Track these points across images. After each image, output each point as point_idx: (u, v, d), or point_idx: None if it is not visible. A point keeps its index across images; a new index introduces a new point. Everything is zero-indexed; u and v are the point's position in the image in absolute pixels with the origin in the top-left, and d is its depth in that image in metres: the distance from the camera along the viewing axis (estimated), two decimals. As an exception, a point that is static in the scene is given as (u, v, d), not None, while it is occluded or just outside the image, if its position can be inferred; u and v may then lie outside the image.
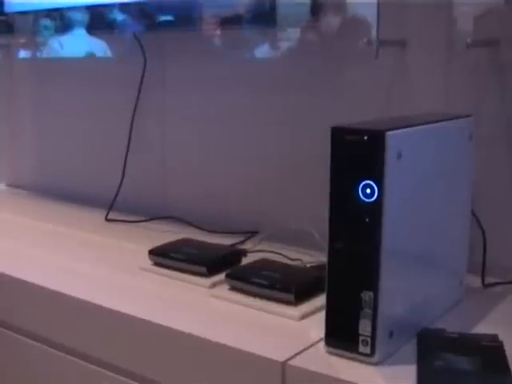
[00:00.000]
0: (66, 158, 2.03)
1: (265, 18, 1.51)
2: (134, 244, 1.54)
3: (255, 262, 1.32)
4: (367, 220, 0.93)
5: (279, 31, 1.52)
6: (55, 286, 1.28)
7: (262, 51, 1.59)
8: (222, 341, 1.04)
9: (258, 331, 1.09)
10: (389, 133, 0.91)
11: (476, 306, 1.19)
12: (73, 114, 1.99)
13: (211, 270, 1.31)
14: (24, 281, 1.33)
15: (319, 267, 1.25)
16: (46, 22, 1.89)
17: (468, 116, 1.17)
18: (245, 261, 1.37)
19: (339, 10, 1.42)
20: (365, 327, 0.95)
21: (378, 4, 1.32)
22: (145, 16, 1.70)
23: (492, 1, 1.27)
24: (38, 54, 2.02)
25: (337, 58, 1.45)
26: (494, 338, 1.03)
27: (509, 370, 0.93)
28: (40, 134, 2.11)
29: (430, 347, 1.00)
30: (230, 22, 1.56)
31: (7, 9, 1.94)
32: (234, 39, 1.60)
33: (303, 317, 1.13)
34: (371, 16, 1.33)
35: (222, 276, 1.27)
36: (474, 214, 1.24)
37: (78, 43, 1.90)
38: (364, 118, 1.01)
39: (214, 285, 1.27)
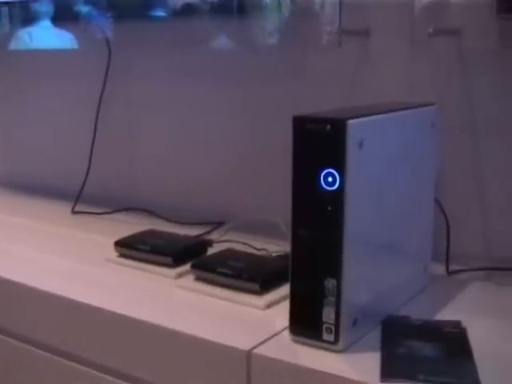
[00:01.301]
0: (32, 151, 2.02)
1: (230, 7, 1.51)
2: (101, 236, 1.54)
3: (221, 252, 1.32)
4: (330, 208, 0.93)
5: (244, 21, 1.52)
6: (20, 279, 1.28)
7: (227, 41, 1.59)
8: (188, 331, 1.04)
9: (223, 321, 1.09)
10: (350, 121, 0.91)
11: (440, 293, 1.20)
12: (38, 106, 1.97)
13: (177, 261, 1.31)
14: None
15: (284, 257, 1.24)
16: (10, 13, 1.88)
17: (431, 104, 1.17)
18: (210, 251, 1.37)
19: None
20: (328, 315, 0.95)
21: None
22: (109, 7, 1.69)
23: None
24: (3, 46, 2.00)
25: (301, 46, 1.45)
26: (458, 324, 1.04)
27: (471, 355, 0.94)
28: (4, 127, 2.10)
29: (394, 334, 1.01)
30: (194, 11, 1.56)
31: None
32: (198, 29, 1.59)
33: (268, 306, 1.14)
34: (334, 5, 1.34)
35: (187, 266, 1.27)
36: (437, 201, 1.25)
37: (42, 35, 1.89)
38: (328, 107, 1.01)
39: (179, 275, 1.27)
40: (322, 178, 0.92)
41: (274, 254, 1.35)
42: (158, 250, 1.34)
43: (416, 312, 1.09)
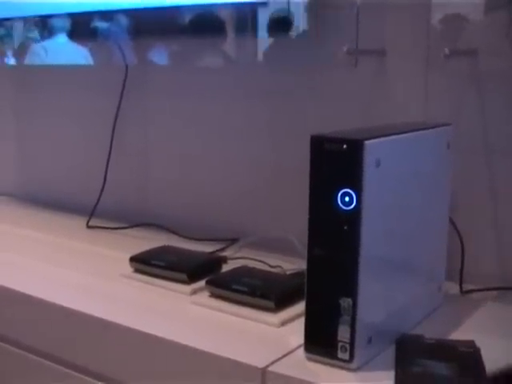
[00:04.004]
0: (48, 165, 2.03)
1: (247, 26, 1.52)
2: (115, 251, 1.54)
3: (236, 269, 1.33)
4: (346, 228, 0.93)
5: (261, 40, 1.53)
6: (36, 293, 1.28)
7: (245, 58, 1.60)
8: (203, 347, 1.05)
9: (238, 338, 1.10)
10: (367, 142, 0.92)
11: (454, 313, 1.20)
12: (54, 121, 1.98)
13: (192, 277, 1.31)
14: (4, 287, 1.33)
15: (299, 274, 1.25)
16: (29, 28, 1.90)
17: (446, 125, 1.18)
18: (225, 268, 1.37)
19: (319, 18, 1.43)
20: (344, 333, 0.96)
21: (358, 13, 1.33)
22: (127, 23, 1.70)
23: (471, 11, 1.29)
24: (20, 60, 2.01)
25: (317, 66, 1.46)
26: (471, 343, 1.04)
27: (485, 375, 0.94)
28: (21, 141, 2.11)
29: (408, 353, 1.01)
30: (211, 29, 1.57)
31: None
32: (216, 46, 1.60)
33: (283, 323, 1.14)
34: (351, 25, 1.35)
35: (202, 283, 1.28)
36: (452, 221, 1.25)
37: (59, 50, 1.90)
38: (344, 127, 1.02)
39: (194, 291, 1.28)
40: (338, 198, 0.93)
41: (288, 272, 1.35)
42: (173, 267, 1.34)
43: (430, 331, 1.09)
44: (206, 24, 1.58)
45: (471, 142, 1.30)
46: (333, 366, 0.98)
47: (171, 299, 1.26)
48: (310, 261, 0.98)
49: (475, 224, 1.32)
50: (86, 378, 1.21)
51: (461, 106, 1.31)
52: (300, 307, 1.09)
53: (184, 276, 1.31)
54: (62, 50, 1.90)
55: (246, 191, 1.61)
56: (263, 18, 1.49)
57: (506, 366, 0.97)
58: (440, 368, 0.96)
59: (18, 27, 1.94)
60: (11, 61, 2.06)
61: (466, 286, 1.28)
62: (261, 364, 0.99)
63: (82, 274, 1.40)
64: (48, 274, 1.41)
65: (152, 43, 1.71)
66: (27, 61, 1.99)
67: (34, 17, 1.88)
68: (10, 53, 2.02)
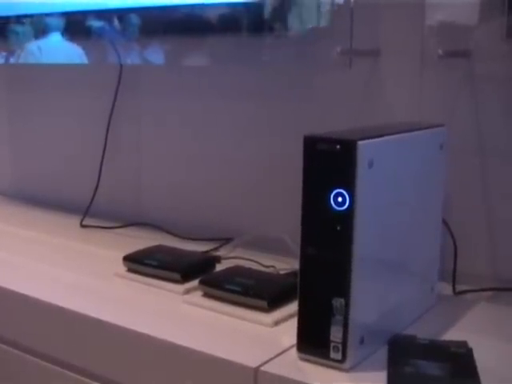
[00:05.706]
0: (41, 164, 2.03)
1: (241, 26, 1.52)
2: (109, 250, 1.54)
3: (229, 269, 1.33)
4: (339, 228, 0.93)
5: (256, 40, 1.53)
6: (29, 292, 1.28)
7: (238, 59, 1.59)
8: (195, 347, 1.05)
9: (230, 337, 1.10)
10: (360, 142, 0.92)
11: (447, 313, 1.20)
12: (48, 120, 1.98)
13: (185, 277, 1.31)
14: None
15: (292, 274, 1.25)
16: (21, 27, 1.89)
17: (440, 126, 1.18)
18: (219, 267, 1.37)
19: (314, 18, 1.43)
20: (336, 334, 0.96)
21: (352, 13, 1.34)
22: (121, 23, 1.70)
23: (465, 11, 1.29)
24: (13, 59, 2.01)
25: (311, 67, 1.46)
26: (464, 344, 1.04)
27: (477, 375, 0.94)
28: (15, 140, 2.11)
29: (401, 353, 1.01)
30: (205, 29, 1.57)
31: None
32: (210, 47, 1.60)
33: (276, 323, 1.14)
34: (345, 25, 1.34)
35: (195, 282, 1.28)
36: (445, 222, 1.25)
37: (53, 48, 1.90)
38: (338, 127, 1.02)
39: (187, 291, 1.28)
40: (331, 198, 0.93)
41: (281, 272, 1.35)
42: (167, 266, 1.34)
43: (423, 331, 1.09)
44: (199, 23, 1.58)
45: (465, 144, 1.30)
46: (325, 366, 0.98)
47: (164, 299, 1.26)
48: (303, 261, 0.98)
49: (468, 225, 1.32)
50: (76, 375, 1.21)
51: (455, 107, 1.31)
52: (293, 307, 1.09)
53: (177, 275, 1.31)
54: (56, 49, 1.89)
55: (240, 191, 1.61)
56: (256, 17, 1.49)
57: None
58: (432, 368, 0.96)
59: (12, 25, 1.93)
60: (9, 60, 2.05)
61: (459, 287, 1.28)
62: (253, 364, 0.99)
63: (76, 274, 1.40)
64: (41, 273, 1.41)
65: (146, 42, 1.71)
66: (22, 60, 1.99)
67: (28, 15, 1.88)
68: (2, 51, 2.02)
